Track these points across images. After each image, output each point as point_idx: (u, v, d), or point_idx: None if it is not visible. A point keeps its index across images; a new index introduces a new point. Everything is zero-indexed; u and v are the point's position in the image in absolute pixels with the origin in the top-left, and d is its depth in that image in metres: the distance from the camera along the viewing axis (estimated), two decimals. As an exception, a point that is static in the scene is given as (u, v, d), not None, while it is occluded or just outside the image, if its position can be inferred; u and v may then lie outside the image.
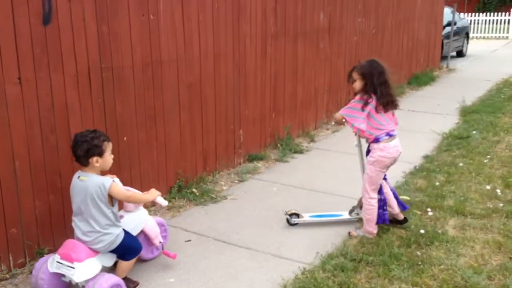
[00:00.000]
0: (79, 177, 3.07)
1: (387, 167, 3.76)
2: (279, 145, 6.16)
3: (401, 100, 9.29)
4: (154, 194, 3.30)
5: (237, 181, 5.17)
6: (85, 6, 3.60)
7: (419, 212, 4.21)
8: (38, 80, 3.35)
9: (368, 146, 3.81)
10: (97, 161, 3.04)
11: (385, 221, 3.84)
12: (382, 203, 3.82)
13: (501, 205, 4.33)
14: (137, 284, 3.25)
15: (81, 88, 3.65)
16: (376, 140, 3.70)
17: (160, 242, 3.49)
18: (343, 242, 3.78)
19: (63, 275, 3.04)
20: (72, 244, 3.05)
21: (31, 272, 3.32)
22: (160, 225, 3.61)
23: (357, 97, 3.68)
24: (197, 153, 4.95)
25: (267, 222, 4.20)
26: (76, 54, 3.58)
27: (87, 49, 3.66)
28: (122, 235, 3.10)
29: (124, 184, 4.05)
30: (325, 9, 6.99)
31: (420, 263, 3.41)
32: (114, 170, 3.97)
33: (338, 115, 3.77)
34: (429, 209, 4.25)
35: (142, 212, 3.46)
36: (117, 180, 3.23)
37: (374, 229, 3.81)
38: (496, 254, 3.55)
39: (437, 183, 4.84)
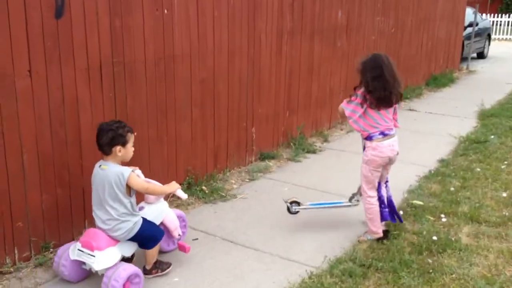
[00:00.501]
0: (100, 166, 3.11)
1: (381, 166, 3.68)
2: (292, 144, 6.09)
3: (419, 101, 9.16)
4: (174, 187, 3.32)
5: (247, 180, 5.11)
6: (98, -1, 3.57)
7: (432, 218, 4.11)
8: (49, 73, 3.33)
9: (364, 143, 3.74)
10: (119, 151, 3.08)
11: (387, 218, 3.77)
12: (380, 201, 3.75)
13: (518, 213, 4.21)
14: (170, 264, 3.34)
15: (92, 82, 3.63)
16: (369, 138, 3.62)
17: (179, 235, 3.51)
18: (353, 246, 3.70)
19: (84, 263, 3.10)
20: (93, 232, 3.10)
21: (35, 266, 3.33)
22: (180, 217, 3.62)
23: (359, 91, 3.60)
24: (208, 150, 4.90)
25: (276, 223, 4.14)
26: (88, 48, 3.55)
27: (99, 43, 3.63)
28: (140, 222, 3.13)
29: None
30: (343, 6, 6.88)
31: (431, 271, 3.31)
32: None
33: (340, 107, 3.74)
34: (442, 215, 4.14)
35: (163, 204, 3.46)
36: (138, 171, 3.28)
37: (378, 228, 3.73)
38: (511, 264, 3.44)
39: (452, 188, 4.72)
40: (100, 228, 3.10)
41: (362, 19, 7.48)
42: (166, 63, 4.23)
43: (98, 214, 3.10)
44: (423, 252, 3.54)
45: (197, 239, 3.83)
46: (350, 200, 4.09)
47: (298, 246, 3.76)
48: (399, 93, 3.60)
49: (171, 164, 4.47)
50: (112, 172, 3.04)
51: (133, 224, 3.08)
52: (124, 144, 3.10)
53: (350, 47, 7.27)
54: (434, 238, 3.71)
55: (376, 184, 3.73)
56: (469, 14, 13.50)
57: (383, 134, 3.60)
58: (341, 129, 7.16)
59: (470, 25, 13.46)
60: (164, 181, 3.93)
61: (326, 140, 6.57)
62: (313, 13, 6.20)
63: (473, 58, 14.47)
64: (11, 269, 3.25)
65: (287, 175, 5.27)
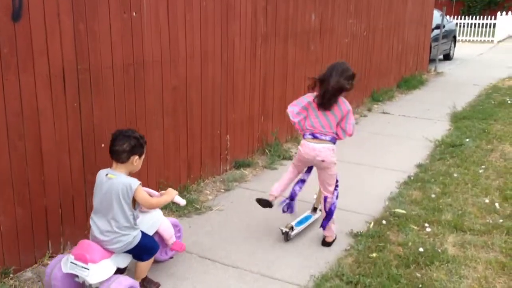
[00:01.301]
0: (107, 174, 2.98)
1: (303, 163, 3.77)
2: (267, 151, 5.89)
3: (391, 104, 9.13)
4: (172, 194, 3.21)
5: (223, 190, 4.88)
6: (60, 0, 3.27)
7: (416, 228, 3.98)
8: (5, 82, 3.02)
9: None
10: (136, 161, 3.02)
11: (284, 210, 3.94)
12: (289, 196, 3.92)
13: (501, 220, 4.12)
14: (158, 285, 3.19)
15: (54, 91, 3.33)
16: (303, 135, 3.72)
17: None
18: (337, 260, 3.53)
19: (77, 276, 2.95)
20: (86, 244, 2.96)
21: (-6, 296, 3.02)
22: (174, 226, 3.52)
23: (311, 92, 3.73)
24: (181, 160, 4.65)
25: (256, 236, 3.93)
26: (49, 54, 3.25)
27: (61, 49, 3.33)
28: (139, 236, 3.02)
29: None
30: (317, 9, 6.74)
31: (420, 285, 3.17)
32: (90, 180, 3.67)
33: None
34: (426, 224, 4.02)
35: (157, 212, 3.34)
36: None
37: (272, 190, 3.87)
38: (500, 275, 3.33)
39: (433, 195, 4.62)
40: (96, 239, 2.96)
41: (335, 22, 7.37)
42: (135, 69, 3.96)
43: (97, 223, 2.96)
44: (410, 265, 3.40)
45: (171, 257, 3.57)
46: (314, 210, 4.12)
47: (281, 261, 3.56)
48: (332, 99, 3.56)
49: (142, 176, 4.16)
50: (119, 183, 2.91)
51: (132, 238, 2.96)
52: (141, 155, 3.06)
53: (323, 50, 7.14)
54: (421, 249, 3.58)
55: (291, 174, 3.84)
56: (436, 16, 13.65)
57: (313, 136, 3.64)
58: (316, 134, 7.00)
59: (437, 27, 13.61)
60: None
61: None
62: (286, 16, 6.02)
63: (439, 60, 14.65)
64: (-35, 302, 2.94)
65: (263, 184, 5.06)
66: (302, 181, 3.92)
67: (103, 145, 3.75)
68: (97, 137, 3.69)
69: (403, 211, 4.25)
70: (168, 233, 3.35)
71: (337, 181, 3.75)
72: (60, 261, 2.98)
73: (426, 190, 4.78)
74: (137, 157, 3.02)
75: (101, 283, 2.86)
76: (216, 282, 3.29)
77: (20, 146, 3.16)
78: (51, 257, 3.46)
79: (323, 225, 3.76)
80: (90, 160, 3.66)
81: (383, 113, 8.35)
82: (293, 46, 6.27)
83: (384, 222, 4.07)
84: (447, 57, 15.96)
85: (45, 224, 3.41)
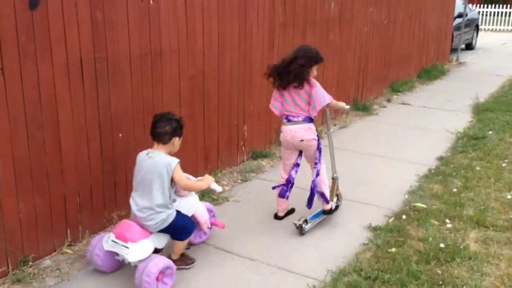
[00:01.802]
0: (148, 153, 3.11)
1: (288, 149, 3.86)
2: (284, 141, 5.83)
3: (412, 94, 8.97)
4: (208, 181, 3.32)
5: (240, 181, 4.85)
6: (78, -11, 3.25)
7: (437, 223, 3.89)
8: (24, 71, 3.01)
9: None
10: (176, 142, 3.17)
11: (282, 195, 3.96)
12: (286, 182, 3.93)
13: (525, 216, 4.03)
14: (194, 261, 3.33)
15: (72, 80, 3.31)
16: (283, 121, 3.82)
17: (208, 228, 3.55)
18: (355, 254, 3.47)
19: (117, 254, 3.11)
20: (127, 224, 3.11)
21: (13, 283, 3.04)
22: (209, 211, 3.61)
23: None
24: (198, 150, 4.62)
25: (272, 228, 3.90)
26: (67, 43, 3.24)
27: (79, 37, 3.31)
28: (173, 215, 3.12)
29: (121, 184, 3.76)
30: (337, -3, 6.61)
31: (441, 282, 3.10)
32: (108, 169, 3.67)
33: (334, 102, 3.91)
34: (447, 220, 3.93)
35: (194, 197, 3.46)
36: None
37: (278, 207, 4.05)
38: (524, 273, 3.25)
39: (455, 189, 4.52)
40: (134, 216, 3.09)
41: (354, 10, 7.23)
42: (152, 59, 3.92)
43: (136, 200, 3.09)
44: (430, 262, 3.33)
45: (188, 248, 3.55)
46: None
47: (297, 254, 3.52)
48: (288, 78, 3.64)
49: (159, 166, 4.17)
50: (160, 161, 3.04)
51: (166, 216, 3.07)
52: (180, 136, 3.21)
53: (342, 40, 7.01)
54: (441, 245, 3.50)
55: (287, 167, 3.94)
56: (459, 4, 13.34)
57: (287, 119, 3.77)
58: (334, 125, 6.90)
59: (459, 16, 13.31)
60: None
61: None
62: (305, 4, 5.92)
63: (461, 50, 14.35)
64: (-16, 289, 2.97)
65: (280, 175, 5.00)
66: (297, 165, 3.96)
67: (120, 134, 3.74)
68: (115, 126, 3.68)
69: (424, 205, 4.16)
70: (203, 218, 3.45)
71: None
72: (102, 239, 3.14)
73: (447, 183, 4.67)
74: (177, 138, 3.16)
75: (140, 261, 2.98)
76: (233, 274, 3.27)
77: (38, 135, 3.16)
78: (70, 245, 3.49)
79: (324, 200, 3.94)
80: (108, 149, 3.66)
81: (403, 104, 8.20)
82: (311, 35, 6.16)
83: (403, 216, 3.99)
84: (469, 46, 15.63)
85: (64, 212, 3.42)
